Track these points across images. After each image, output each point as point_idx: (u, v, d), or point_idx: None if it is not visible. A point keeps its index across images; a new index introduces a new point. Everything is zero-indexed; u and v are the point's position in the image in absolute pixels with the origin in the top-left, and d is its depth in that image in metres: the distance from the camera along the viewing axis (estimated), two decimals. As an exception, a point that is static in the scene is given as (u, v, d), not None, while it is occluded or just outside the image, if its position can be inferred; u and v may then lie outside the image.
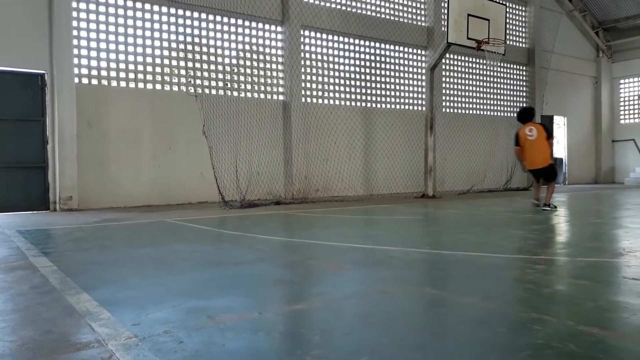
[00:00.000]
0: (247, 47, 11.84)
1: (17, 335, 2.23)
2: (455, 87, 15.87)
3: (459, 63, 15.96)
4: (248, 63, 11.84)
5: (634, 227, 5.89)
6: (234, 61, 11.64)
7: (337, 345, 2.03)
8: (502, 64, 16.55)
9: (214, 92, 11.33)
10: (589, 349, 1.93)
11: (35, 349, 2.04)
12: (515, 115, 16.67)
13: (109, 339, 2.11)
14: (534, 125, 8.39)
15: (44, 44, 9.35)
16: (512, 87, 17.57)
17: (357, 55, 13.65)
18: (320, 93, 12.98)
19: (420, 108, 14.70)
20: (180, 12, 10.85)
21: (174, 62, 10.87)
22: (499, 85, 17.17)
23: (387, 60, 14.27)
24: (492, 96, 16.93)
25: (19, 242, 5.18)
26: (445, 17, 11.75)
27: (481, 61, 15.97)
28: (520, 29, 17.79)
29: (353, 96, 13.58)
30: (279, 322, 2.41)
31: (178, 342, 2.06)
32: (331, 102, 13.16)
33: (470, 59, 16.10)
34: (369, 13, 13.81)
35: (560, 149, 19.43)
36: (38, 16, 9.31)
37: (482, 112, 16.60)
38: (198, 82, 11.13)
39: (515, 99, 17.65)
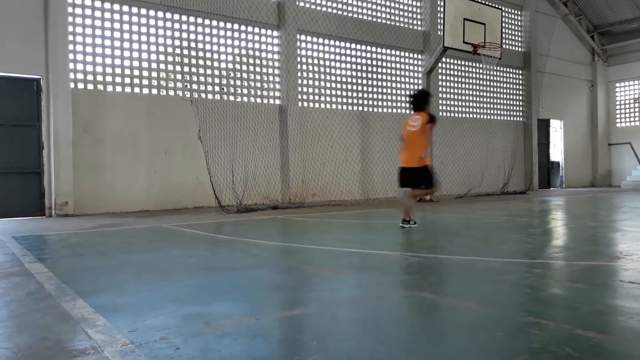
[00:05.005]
0: (244, 51, 11.85)
1: (12, 342, 2.22)
2: (452, 91, 15.90)
3: (456, 67, 16.00)
4: (244, 67, 11.85)
5: (631, 230, 5.90)
6: (230, 66, 11.65)
7: (334, 351, 2.02)
8: (498, 68, 16.60)
9: (210, 96, 11.33)
10: (586, 353, 1.93)
11: (30, 356, 2.03)
12: (514, 118, 16.63)
13: (105, 346, 2.10)
14: (419, 114, 6.50)
15: (40, 49, 9.34)
16: (508, 91, 17.63)
17: (353, 60, 13.67)
18: (316, 97, 12.99)
19: (416, 112, 14.70)
20: (176, 16, 10.86)
21: (170, 67, 10.87)
22: (495, 89, 17.22)
23: (384, 64, 14.30)
24: (488, 100, 16.98)
25: (14, 248, 5.15)
26: (441, 22, 11.79)
27: (477, 65, 16.01)
28: (516, 33, 17.87)
29: (350, 100, 13.59)
30: (275, 327, 2.40)
31: (174, 349, 2.05)
32: (328, 106, 13.17)
33: (467, 63, 16.14)
34: (365, 17, 13.84)
35: (557, 153, 19.51)
36: (34, 21, 9.30)
37: (478, 116, 16.64)
38: (194, 86, 11.12)
39: (511, 102, 17.71)
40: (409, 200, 6.72)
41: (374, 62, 14.09)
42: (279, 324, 2.46)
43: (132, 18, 10.35)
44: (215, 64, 11.44)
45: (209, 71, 11.35)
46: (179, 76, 10.98)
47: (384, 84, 14.29)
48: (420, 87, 7.47)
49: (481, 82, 16.73)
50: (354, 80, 13.68)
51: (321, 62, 13.08)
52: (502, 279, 3.40)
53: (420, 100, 6.67)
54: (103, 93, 10.07)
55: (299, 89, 12.51)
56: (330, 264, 4.08)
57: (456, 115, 15.99)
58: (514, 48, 17.63)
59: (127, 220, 8.23)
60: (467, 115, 16.31)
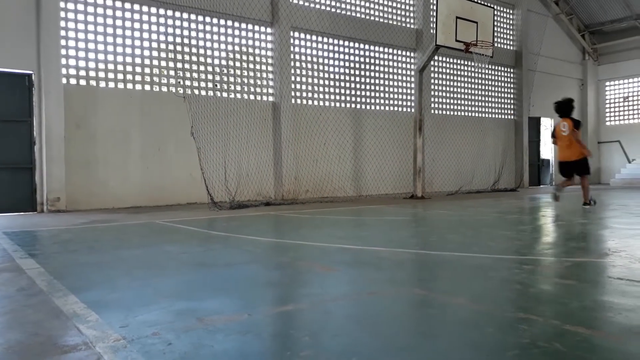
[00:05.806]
0: (237, 48, 11.82)
1: (3, 338, 2.21)
2: (444, 88, 15.97)
3: (448, 65, 16.06)
4: (237, 64, 11.83)
5: (620, 228, 5.96)
6: (224, 62, 11.62)
7: (326, 347, 2.04)
8: (489, 66, 16.68)
9: (203, 92, 11.30)
10: (574, 348, 1.96)
11: (21, 352, 2.03)
12: (505, 116, 16.74)
13: (96, 341, 2.10)
14: (566, 120, 8.46)
15: (32, 44, 9.27)
16: (499, 89, 17.72)
17: (346, 57, 13.69)
18: (310, 94, 12.99)
19: (409, 109, 14.77)
20: (169, 12, 10.81)
21: (163, 63, 10.83)
22: (486, 87, 17.30)
23: (376, 62, 14.32)
24: (480, 98, 17.06)
25: (6, 244, 5.12)
26: (434, 20, 11.81)
27: (469, 63, 16.07)
28: (508, 32, 17.96)
29: (342, 97, 13.61)
30: (268, 323, 2.41)
31: (167, 344, 2.05)
32: (321, 103, 13.18)
33: (459, 61, 16.20)
34: (358, 15, 13.85)
35: (547, 151, 19.64)
36: (26, 16, 9.23)
37: (470, 114, 16.72)
38: (187, 83, 11.09)
39: (502, 100, 17.80)
40: (564, 185, 8.86)
41: (367, 60, 14.11)
42: (272, 320, 2.47)
43: (125, 14, 10.30)
44: (209, 60, 11.41)
45: (202, 67, 11.31)
46: (172, 72, 10.94)
47: (377, 81, 14.32)
48: (566, 96, 8.10)
49: (473, 80, 16.80)
50: (347, 78, 13.69)
51: (314, 59, 13.08)
52: (492, 275, 3.42)
53: (566, 108, 8.46)
54: (95, 89, 10.01)
55: (292, 86, 12.51)
56: (323, 260, 4.09)
57: (448, 113, 16.06)
58: (505, 46, 17.72)
59: (120, 216, 8.20)
60: (459, 113, 16.38)
